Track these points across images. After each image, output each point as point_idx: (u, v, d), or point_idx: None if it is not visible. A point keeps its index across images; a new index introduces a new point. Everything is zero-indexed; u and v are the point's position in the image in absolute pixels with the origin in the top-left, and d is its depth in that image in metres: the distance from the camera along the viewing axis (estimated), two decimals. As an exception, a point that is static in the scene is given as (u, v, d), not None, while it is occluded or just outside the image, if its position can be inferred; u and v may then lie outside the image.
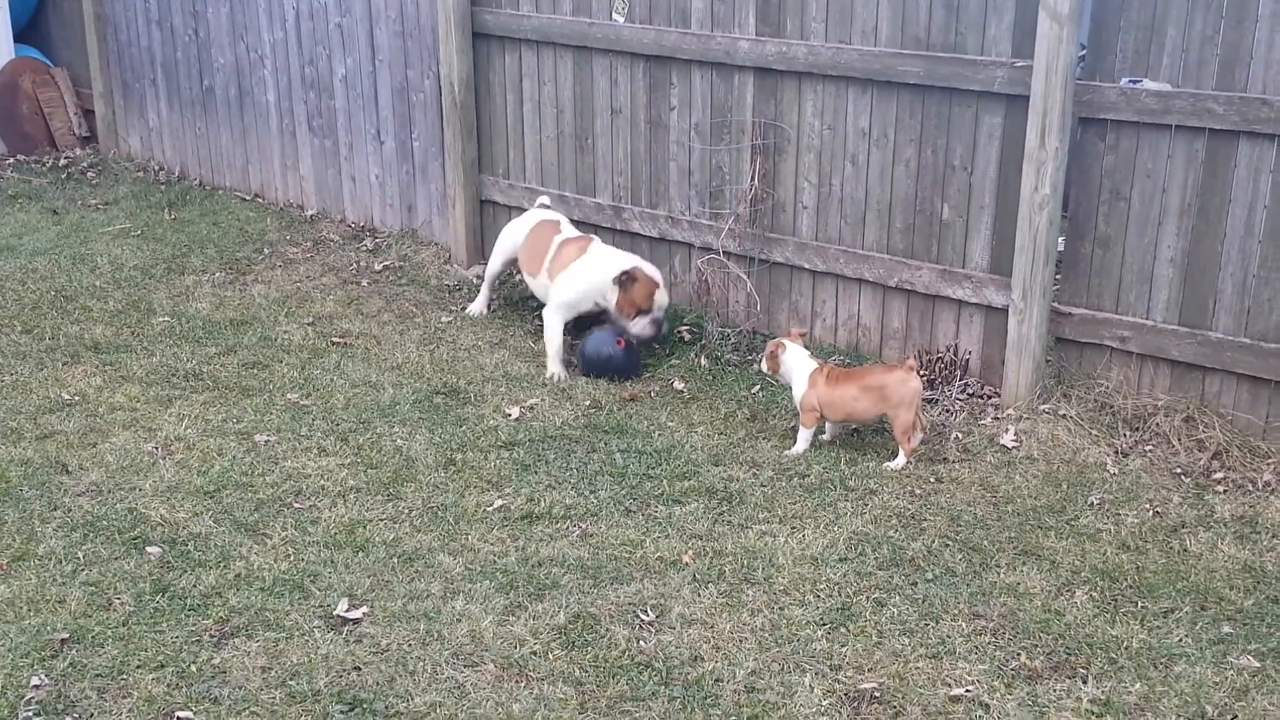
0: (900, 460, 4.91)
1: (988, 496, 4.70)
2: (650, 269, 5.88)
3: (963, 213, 5.39)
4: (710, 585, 4.09)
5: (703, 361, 5.89)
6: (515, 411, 5.37)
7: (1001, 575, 4.16)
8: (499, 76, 6.84)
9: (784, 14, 5.68)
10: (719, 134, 6.03)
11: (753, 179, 5.89)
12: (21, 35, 9.75)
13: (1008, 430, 5.07)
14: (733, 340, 6.00)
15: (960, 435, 5.12)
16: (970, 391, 5.42)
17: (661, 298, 5.85)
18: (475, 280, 6.95)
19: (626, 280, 5.76)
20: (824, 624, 3.89)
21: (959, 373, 5.46)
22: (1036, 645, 3.79)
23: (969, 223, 5.38)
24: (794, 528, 4.46)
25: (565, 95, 6.59)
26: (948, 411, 5.29)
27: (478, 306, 6.59)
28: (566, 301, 5.90)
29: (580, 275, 5.89)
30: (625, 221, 6.48)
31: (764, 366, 5.26)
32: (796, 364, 5.12)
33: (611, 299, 5.83)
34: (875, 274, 5.67)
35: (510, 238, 6.43)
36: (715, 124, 6.03)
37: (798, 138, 5.78)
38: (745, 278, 5.99)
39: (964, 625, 3.88)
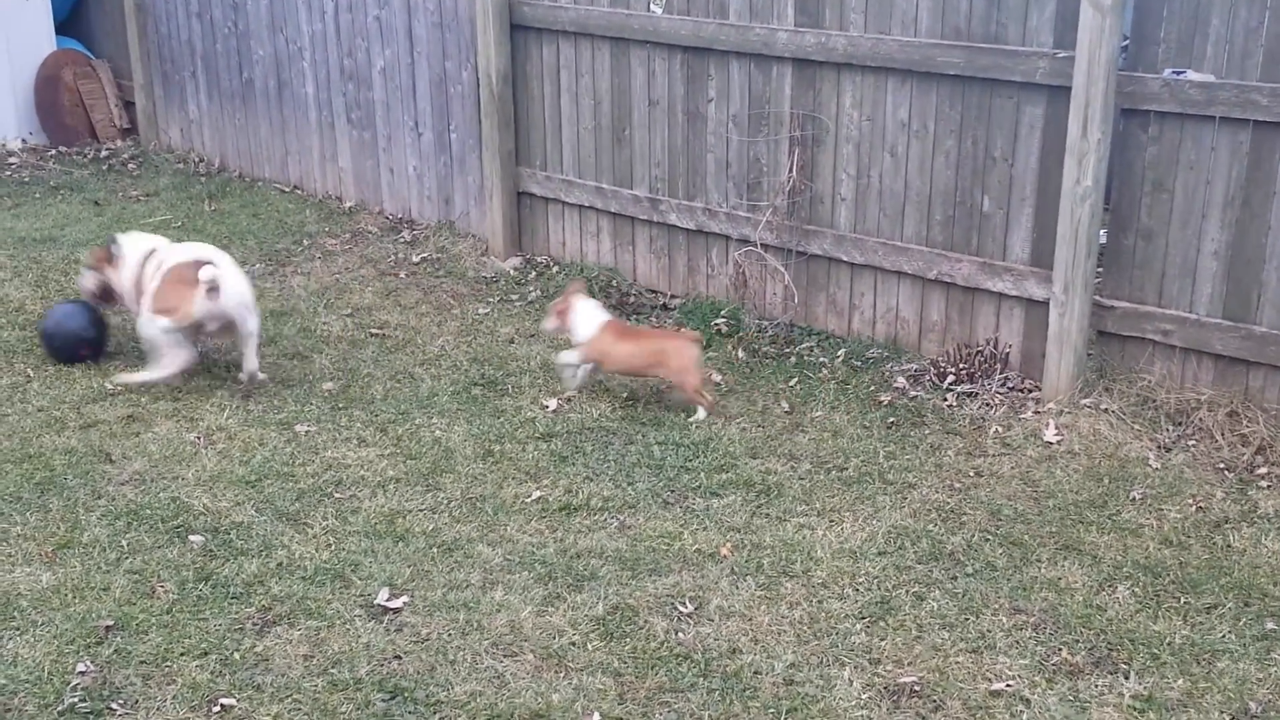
0: (701, 413, 5.24)
1: (1028, 491, 4.67)
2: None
3: (1003, 205, 5.35)
4: (748, 578, 4.09)
5: (740, 354, 5.88)
6: (553, 404, 5.39)
7: (1042, 570, 4.14)
8: (536, 68, 6.85)
9: (823, 5, 5.65)
10: (757, 125, 6.02)
11: (791, 171, 5.87)
12: (63, 27, 9.85)
13: (1048, 424, 5.04)
14: (770, 333, 5.98)
15: (1000, 429, 5.09)
16: (1010, 385, 5.38)
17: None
18: (512, 272, 6.97)
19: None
20: (863, 617, 3.88)
21: (999, 366, 5.42)
22: (1078, 640, 3.77)
23: (1009, 215, 5.34)
24: (832, 521, 4.45)
25: (603, 87, 6.59)
26: (988, 405, 5.26)
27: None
28: None
29: None
30: (662, 214, 6.48)
31: (549, 325, 5.50)
32: (585, 316, 5.37)
33: None
34: (914, 267, 5.64)
35: None
36: (753, 115, 6.02)
37: (836, 129, 5.76)
38: (783, 270, 5.97)
39: (1004, 620, 3.87)
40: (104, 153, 9.42)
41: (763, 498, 4.62)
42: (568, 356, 5.45)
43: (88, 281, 5.90)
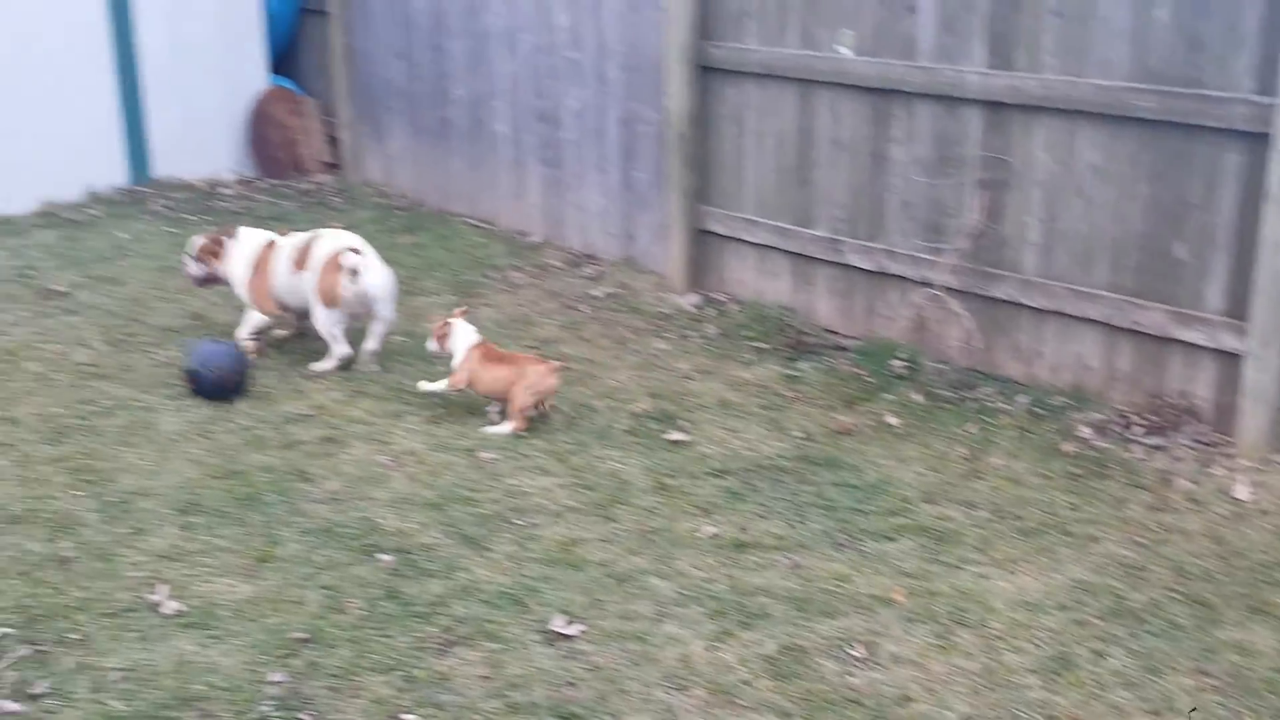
0: (505, 429, 5.48)
1: (1217, 549, 4.50)
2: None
3: (1198, 253, 5.18)
4: (922, 625, 4.05)
5: (917, 397, 5.83)
6: (727, 440, 5.44)
7: (1230, 632, 3.98)
8: (722, 109, 6.96)
9: (1015, 47, 5.60)
10: (942, 167, 5.98)
11: (976, 214, 5.81)
12: (276, 66, 10.46)
13: (1241, 482, 4.84)
14: (949, 377, 5.92)
15: (1189, 484, 4.91)
16: (1200, 439, 5.19)
17: None
18: (690, 309, 7.07)
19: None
20: (1040, 672, 3.80)
21: (1189, 419, 5.24)
22: (1264, 706, 3.62)
23: (1204, 263, 5.17)
24: (1010, 571, 4.37)
25: (787, 128, 6.65)
26: (1176, 459, 5.08)
27: None
28: None
29: None
30: (842, 254, 6.48)
31: (432, 347, 5.68)
32: (460, 339, 5.60)
33: None
34: (1102, 313, 5.50)
35: None
36: (939, 157, 5.98)
37: (1025, 172, 5.68)
38: (964, 314, 5.90)
39: (1188, 682, 3.74)
40: (310, 186, 9.94)
41: (938, 544, 4.57)
42: (432, 387, 5.66)
43: (193, 269, 6.44)
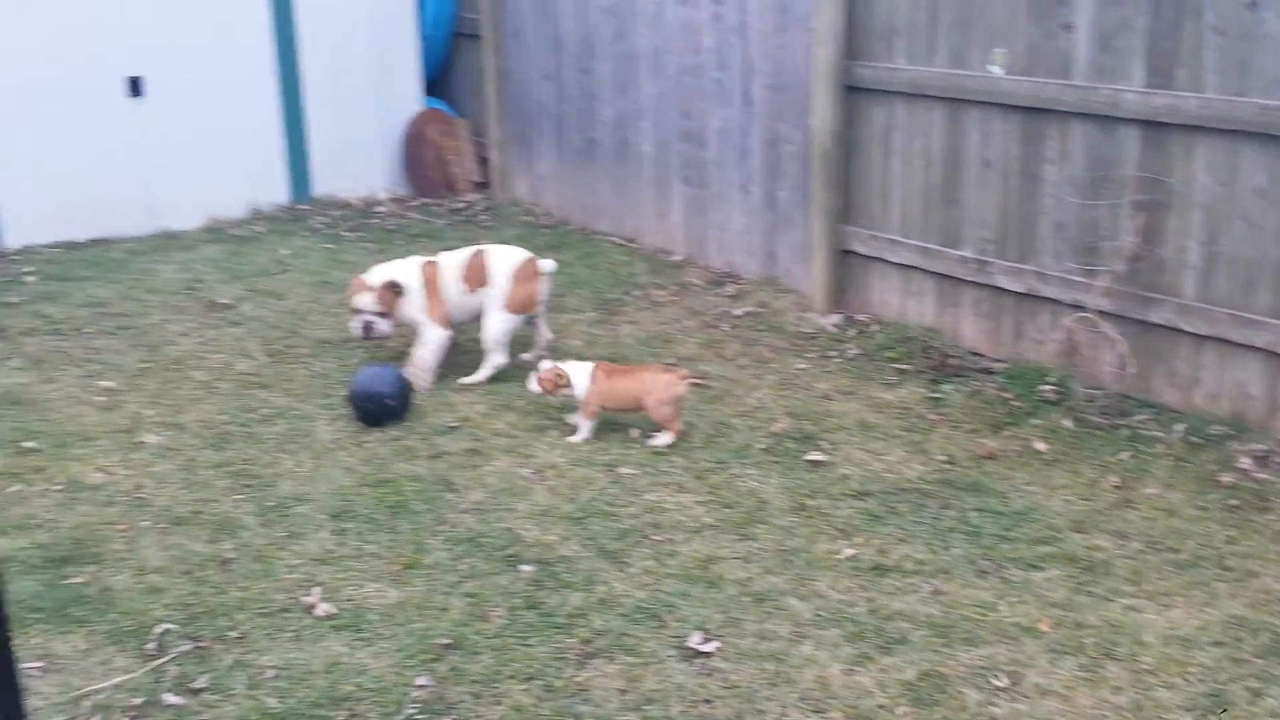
0: (665, 438, 5.60)
1: (1390, 590, 4.28)
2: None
3: (1372, 278, 4.95)
4: (1069, 657, 3.95)
5: (1067, 423, 5.69)
6: (867, 461, 5.39)
7: (1404, 679, 3.78)
8: (868, 129, 6.91)
9: (1176, 65, 5.43)
10: (1097, 188, 5.83)
11: (1132, 236, 5.65)
12: (430, 88, 10.76)
13: None
14: (1100, 403, 5.75)
15: (1360, 520, 4.69)
16: (1373, 473, 4.95)
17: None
18: (831, 329, 7.03)
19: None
20: (1193, 709, 3.67)
21: (1361, 452, 5.00)
22: None
23: (1379, 289, 4.94)
24: (1163, 605, 4.23)
25: (935, 147, 6.57)
26: (1345, 493, 4.86)
27: None
28: None
29: None
30: (990, 275, 6.37)
31: (534, 388, 5.71)
32: (577, 372, 5.68)
33: None
34: (1267, 341, 5.29)
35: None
36: (1093, 178, 5.84)
37: (1184, 193, 5.50)
38: (1118, 338, 5.74)
39: (1357, 729, 3.56)
40: (460, 205, 10.19)
41: (1087, 574, 4.45)
42: (580, 434, 5.71)
43: (383, 326, 6.33)
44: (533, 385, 5.74)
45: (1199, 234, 5.49)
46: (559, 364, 5.78)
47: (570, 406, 5.78)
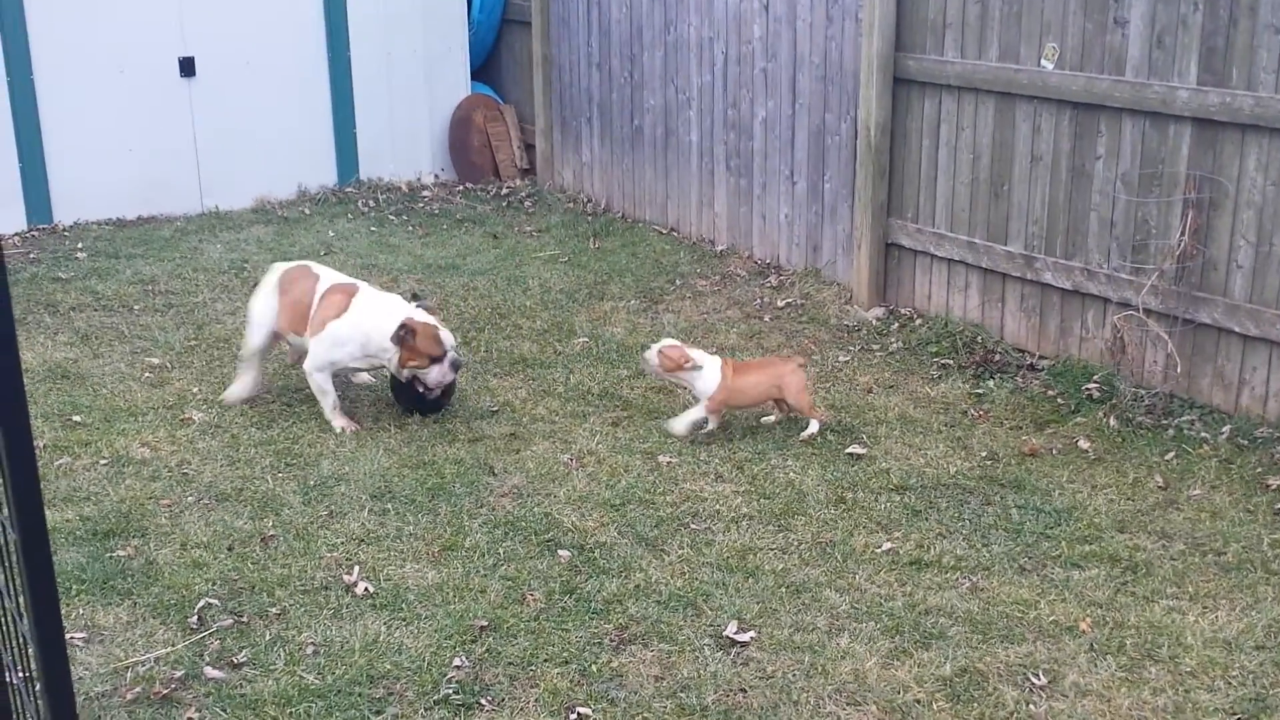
0: (815, 427, 5.54)
1: None
2: (422, 314, 5.57)
3: None
4: (1109, 657, 3.91)
5: (1111, 422, 5.63)
6: (908, 456, 5.36)
7: None
8: (916, 122, 6.87)
9: (1231, 63, 5.36)
10: (1147, 185, 5.76)
11: (1182, 234, 5.58)
12: (477, 74, 10.80)
13: None
14: (1146, 402, 5.69)
15: None
16: None
17: (448, 336, 5.62)
18: (874, 322, 6.99)
19: (406, 335, 5.46)
20: (1234, 713, 3.63)
21: None
22: None
23: None
24: (1205, 607, 4.18)
25: (983, 141, 6.52)
26: (1396, 500, 4.78)
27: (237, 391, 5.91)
28: (330, 361, 5.64)
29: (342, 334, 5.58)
30: (1036, 271, 6.31)
31: (653, 362, 5.51)
32: (708, 363, 5.51)
33: (393, 359, 5.53)
34: (1317, 343, 5.22)
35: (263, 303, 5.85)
36: (1144, 175, 5.77)
37: (1236, 193, 5.43)
38: (1166, 337, 5.67)
39: (1402, 738, 3.51)
40: (504, 190, 10.22)
41: (1129, 574, 4.41)
42: (688, 419, 5.56)
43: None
44: (651, 357, 5.54)
45: (1250, 234, 5.41)
46: (687, 347, 5.61)
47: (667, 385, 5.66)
